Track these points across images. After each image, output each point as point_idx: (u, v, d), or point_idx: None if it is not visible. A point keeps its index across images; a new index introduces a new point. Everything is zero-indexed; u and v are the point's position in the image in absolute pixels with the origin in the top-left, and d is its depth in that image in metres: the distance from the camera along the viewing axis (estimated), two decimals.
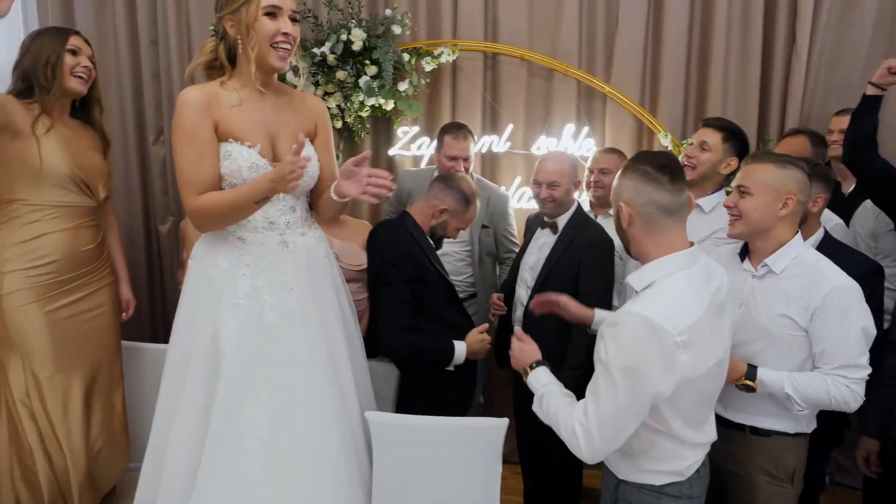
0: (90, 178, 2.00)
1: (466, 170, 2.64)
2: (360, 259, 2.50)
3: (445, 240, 2.26)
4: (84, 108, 2.07)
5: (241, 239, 1.64)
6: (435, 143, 2.89)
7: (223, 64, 1.64)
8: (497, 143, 3.00)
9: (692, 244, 1.41)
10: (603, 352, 1.31)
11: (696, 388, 1.35)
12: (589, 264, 2.16)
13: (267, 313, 1.61)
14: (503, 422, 1.68)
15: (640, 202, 1.38)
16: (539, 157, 2.34)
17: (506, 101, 3.01)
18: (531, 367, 1.53)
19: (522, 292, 2.31)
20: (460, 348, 1.98)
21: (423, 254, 2.04)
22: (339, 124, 2.94)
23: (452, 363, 1.97)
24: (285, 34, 1.57)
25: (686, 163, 2.18)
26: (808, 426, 1.68)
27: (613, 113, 2.96)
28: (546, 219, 2.30)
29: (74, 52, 1.94)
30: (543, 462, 2.33)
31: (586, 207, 2.61)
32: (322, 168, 1.76)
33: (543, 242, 2.30)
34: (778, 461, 1.64)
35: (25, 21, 3.50)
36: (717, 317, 1.37)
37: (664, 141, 2.86)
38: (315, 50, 2.84)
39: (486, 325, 2.07)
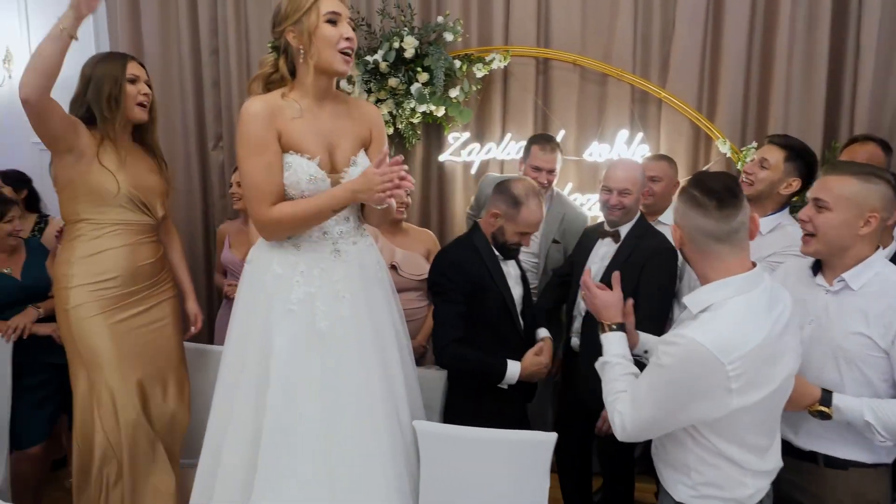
0: (148, 198, 2.07)
1: (550, 182, 2.58)
2: (422, 269, 2.53)
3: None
4: (142, 131, 2.13)
5: (295, 246, 1.68)
6: (515, 150, 2.94)
7: (284, 77, 1.67)
8: None
9: (755, 265, 1.36)
10: (656, 358, 1.32)
11: (753, 414, 1.31)
12: (648, 273, 2.13)
13: (319, 320, 1.64)
14: (552, 436, 1.66)
15: (688, 227, 1.36)
16: (609, 164, 2.33)
17: (557, 106, 2.99)
18: (610, 327, 1.52)
19: (583, 303, 2.29)
20: (514, 368, 1.94)
21: (483, 267, 2.00)
22: (390, 131, 2.98)
23: (505, 382, 1.93)
24: (348, 38, 1.61)
25: (744, 178, 2.10)
26: (889, 456, 1.55)
27: (669, 118, 2.89)
28: (608, 228, 2.28)
29: (133, 81, 2.01)
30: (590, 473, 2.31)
31: None
32: None
33: (605, 252, 2.28)
34: (858, 496, 1.52)
35: (96, 33, 3.69)
36: (779, 340, 1.32)
37: (723, 148, 2.77)
38: (368, 58, 2.88)
39: (542, 346, 2.02)
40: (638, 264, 2.14)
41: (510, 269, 2.09)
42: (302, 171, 1.62)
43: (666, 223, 2.42)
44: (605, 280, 2.16)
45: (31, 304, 2.50)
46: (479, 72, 2.88)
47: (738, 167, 2.75)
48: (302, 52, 1.60)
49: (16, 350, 2.40)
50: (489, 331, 1.99)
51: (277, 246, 1.68)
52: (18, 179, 3.30)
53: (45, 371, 2.48)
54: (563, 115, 2.97)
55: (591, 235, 2.39)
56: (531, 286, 2.71)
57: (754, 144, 2.71)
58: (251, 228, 2.50)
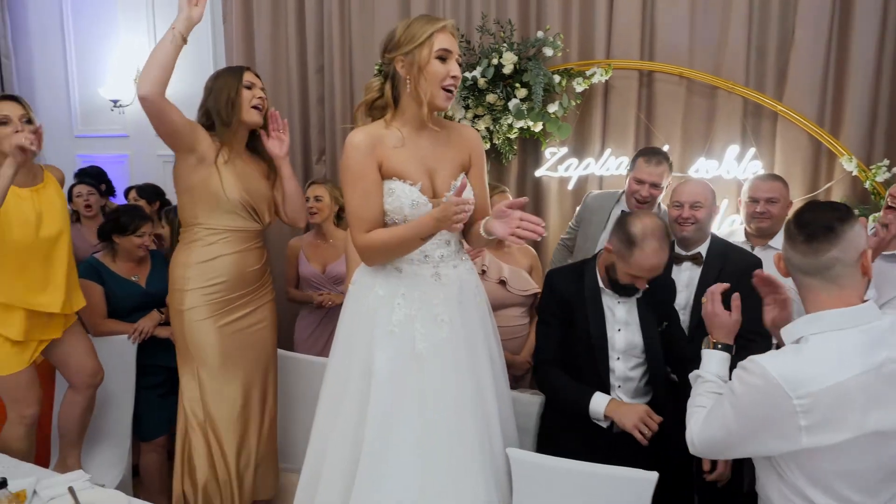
0: (258, 205, 2.18)
1: (653, 197, 2.46)
2: (527, 284, 2.52)
3: None
4: (256, 139, 2.25)
5: (397, 269, 1.72)
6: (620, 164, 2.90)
7: (388, 103, 1.71)
8: None
9: (865, 302, 1.26)
10: (730, 385, 1.33)
11: (836, 461, 1.23)
12: (746, 290, 2.01)
13: (418, 342, 1.67)
14: (653, 475, 1.60)
15: (784, 256, 1.34)
16: (678, 183, 2.27)
17: (661, 120, 2.88)
18: (716, 345, 1.54)
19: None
20: (598, 402, 1.82)
21: (580, 298, 1.93)
22: (486, 146, 2.98)
23: (596, 417, 1.85)
24: (454, 77, 1.64)
25: (882, 220, 1.93)
26: None
27: (786, 133, 2.70)
28: (683, 251, 2.17)
29: (249, 87, 2.13)
30: None
31: (738, 238, 2.42)
32: (476, 199, 1.79)
33: (689, 277, 2.17)
34: None
35: (214, 51, 3.96)
36: (871, 387, 1.21)
37: (848, 165, 2.56)
38: (466, 74, 2.90)
39: (645, 411, 1.81)
40: (731, 281, 2.01)
41: (617, 310, 1.95)
42: (405, 197, 1.66)
43: (776, 248, 2.27)
44: (697, 307, 2.09)
45: (154, 308, 2.73)
46: (579, 86, 2.83)
47: (867, 186, 2.53)
48: (409, 82, 1.64)
49: (138, 352, 2.63)
50: (574, 364, 1.94)
51: (381, 269, 1.73)
52: (153, 192, 3.62)
53: (163, 372, 2.70)
54: (668, 129, 2.86)
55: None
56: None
57: (886, 162, 2.49)
58: (349, 248, 2.58)
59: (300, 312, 3.02)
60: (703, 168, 2.78)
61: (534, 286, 2.55)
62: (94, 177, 3.78)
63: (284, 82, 3.54)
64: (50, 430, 2.60)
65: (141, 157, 4.39)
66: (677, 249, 2.20)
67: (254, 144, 2.25)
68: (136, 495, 2.70)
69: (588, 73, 2.81)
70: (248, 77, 2.14)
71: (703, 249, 2.15)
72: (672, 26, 2.78)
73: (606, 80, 2.84)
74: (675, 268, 2.20)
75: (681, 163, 2.85)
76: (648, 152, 2.53)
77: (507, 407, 1.88)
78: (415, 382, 1.65)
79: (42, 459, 2.56)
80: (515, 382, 2.57)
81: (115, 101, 4.24)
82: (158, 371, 2.69)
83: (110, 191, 3.78)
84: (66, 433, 2.39)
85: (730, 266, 2.07)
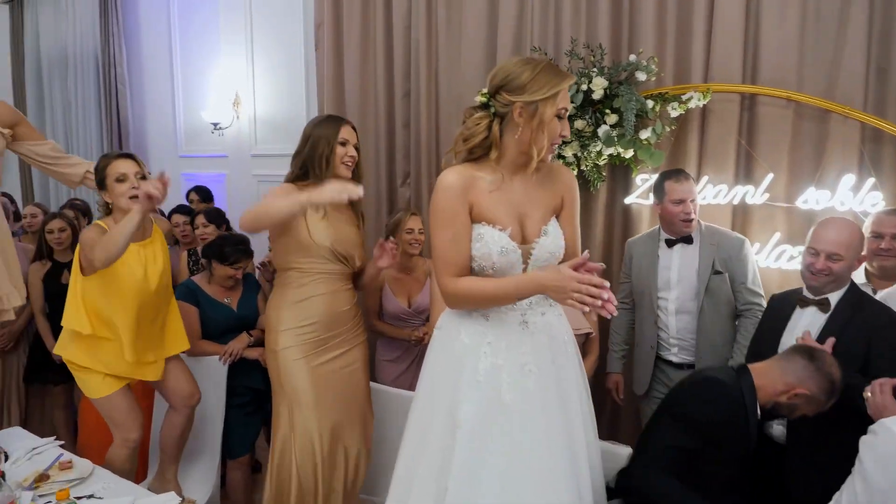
0: (347, 251, 2.21)
1: (694, 211, 2.42)
2: (580, 323, 2.42)
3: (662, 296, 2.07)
4: None
5: (484, 317, 1.66)
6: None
7: (494, 143, 1.61)
8: (752, 194, 2.67)
9: None
10: (859, 457, 1.26)
11: None
12: (882, 349, 1.82)
13: (505, 393, 1.60)
14: None
15: None
16: (819, 222, 2.03)
17: (765, 147, 2.67)
18: None
19: None
20: None
21: (743, 426, 1.76)
22: (574, 171, 2.89)
23: None
24: (564, 136, 1.60)
25: None
26: None
27: None
28: (810, 295, 1.98)
29: (344, 144, 2.17)
30: None
31: (858, 279, 2.19)
32: (566, 243, 1.72)
33: (809, 323, 1.98)
34: None
35: (307, 76, 4.09)
36: None
37: None
38: None
39: None
40: (860, 339, 1.85)
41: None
42: (493, 243, 1.60)
43: None
44: None
45: (244, 331, 2.83)
46: (674, 111, 2.68)
47: None
48: (521, 130, 1.56)
49: (227, 372, 2.73)
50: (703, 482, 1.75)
51: (466, 315, 1.68)
52: (207, 193, 4.07)
53: (250, 393, 2.79)
54: (772, 156, 2.65)
55: (782, 305, 2.09)
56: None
57: None
58: (433, 285, 2.56)
59: (378, 346, 3.02)
60: (812, 199, 2.56)
61: (586, 325, 2.44)
62: (206, 198, 4.07)
63: (371, 107, 3.60)
64: (148, 444, 2.76)
65: (237, 176, 4.60)
66: (804, 292, 2.03)
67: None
68: None
69: (684, 97, 2.66)
70: (343, 133, 2.17)
71: (834, 297, 1.95)
72: (779, 46, 2.58)
73: (704, 105, 2.67)
74: (796, 310, 2.04)
75: (788, 193, 2.63)
76: (673, 173, 2.49)
77: (596, 457, 1.78)
78: (501, 434, 1.58)
79: (140, 472, 2.72)
80: None
81: (215, 124, 4.47)
82: (245, 392, 2.79)
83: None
84: (165, 449, 2.52)
85: (860, 320, 1.88)
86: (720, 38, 2.65)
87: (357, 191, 1.92)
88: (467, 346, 1.64)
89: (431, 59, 3.34)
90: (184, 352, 2.61)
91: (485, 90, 1.60)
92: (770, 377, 1.78)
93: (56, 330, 3.24)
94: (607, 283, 1.37)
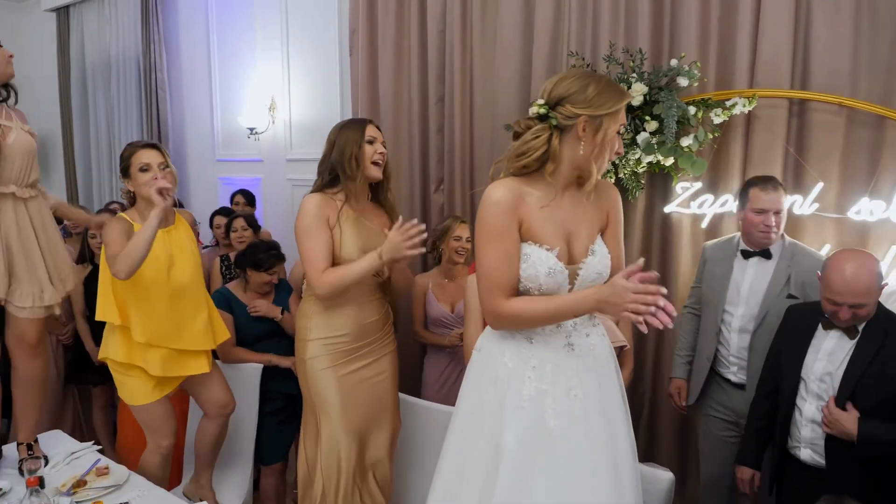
0: None
1: (778, 225, 2.27)
2: (615, 336, 2.33)
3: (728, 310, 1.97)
4: (378, 190, 2.26)
5: (528, 339, 1.60)
6: (731, 201, 2.64)
7: (553, 157, 1.53)
8: (801, 203, 2.55)
9: None
10: None
11: None
12: None
13: (549, 418, 1.54)
14: None
15: None
16: (832, 266, 1.87)
17: (815, 154, 2.54)
18: None
19: (810, 408, 1.93)
20: None
21: None
22: (611, 179, 2.81)
23: None
24: (618, 153, 1.56)
25: None
26: None
27: None
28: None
29: (371, 142, 2.14)
30: None
31: None
32: (611, 261, 1.66)
33: (834, 347, 1.91)
34: None
35: (341, 81, 4.09)
36: None
37: None
38: None
39: None
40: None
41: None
42: (541, 264, 1.53)
43: None
44: (850, 378, 1.82)
45: (278, 339, 2.84)
46: (718, 118, 2.58)
47: None
48: (581, 145, 1.51)
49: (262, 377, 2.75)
50: None
51: (509, 336, 1.61)
52: (251, 197, 4.19)
53: (283, 399, 2.80)
54: (822, 164, 2.52)
55: (805, 318, 2.01)
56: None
57: None
58: (468, 293, 2.52)
59: (428, 352, 3.01)
60: (865, 209, 2.43)
61: (620, 338, 2.35)
62: (250, 202, 4.17)
63: (405, 111, 3.58)
64: (183, 447, 2.79)
65: (272, 180, 4.64)
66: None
67: (377, 195, 2.27)
68: None
69: (728, 103, 2.56)
70: (370, 132, 2.14)
71: (860, 323, 1.87)
72: (830, 50, 2.45)
73: (749, 111, 2.56)
74: (819, 330, 1.95)
75: (838, 203, 2.51)
76: (761, 180, 2.33)
77: (638, 484, 1.71)
78: (545, 462, 1.52)
79: (174, 477, 2.75)
80: None
81: (251, 129, 4.51)
82: (279, 397, 2.80)
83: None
84: (200, 456, 2.54)
85: (892, 341, 1.80)
86: (767, 40, 2.53)
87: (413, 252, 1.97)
88: (511, 370, 1.58)
89: (466, 64, 3.30)
90: (218, 359, 2.64)
91: (540, 101, 1.54)
92: None
93: (94, 331, 3.33)
94: (664, 290, 1.31)
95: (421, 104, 3.52)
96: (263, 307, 2.79)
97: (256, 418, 2.75)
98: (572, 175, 1.57)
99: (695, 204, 2.77)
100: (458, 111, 3.34)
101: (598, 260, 1.60)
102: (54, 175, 6.46)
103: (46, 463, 2.29)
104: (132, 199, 2.31)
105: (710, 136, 2.62)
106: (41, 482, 2.00)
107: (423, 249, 1.99)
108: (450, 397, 2.85)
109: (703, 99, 2.61)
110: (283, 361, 2.75)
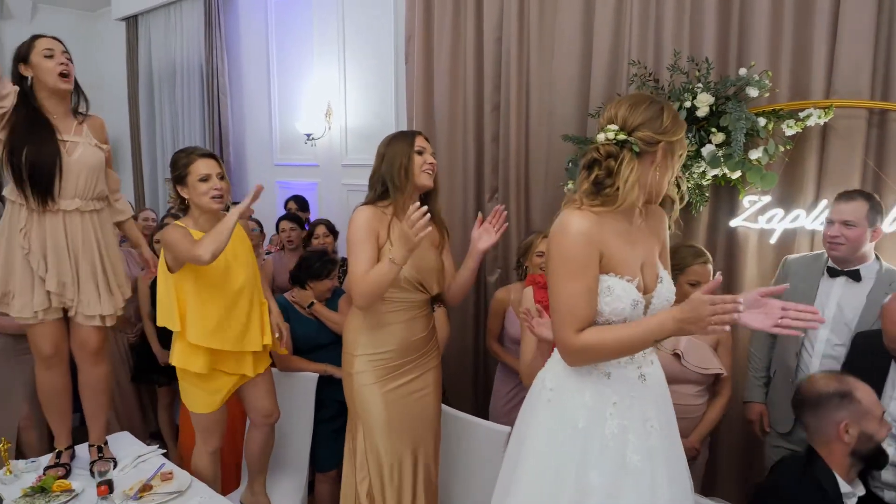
0: (426, 279, 2.17)
1: (849, 239, 2.14)
2: (709, 362, 2.25)
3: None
4: (427, 201, 2.21)
5: (606, 375, 1.53)
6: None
7: (637, 184, 1.48)
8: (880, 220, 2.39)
9: None
10: None
11: None
12: None
13: (630, 454, 1.50)
14: None
15: None
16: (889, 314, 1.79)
17: None
18: None
19: (890, 450, 1.82)
20: None
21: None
22: (673, 192, 2.71)
23: None
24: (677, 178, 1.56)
25: None
26: None
27: None
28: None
29: (420, 153, 2.13)
30: None
31: None
32: None
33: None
34: None
35: (396, 89, 4.11)
36: None
37: None
38: None
39: None
40: None
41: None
42: (626, 297, 1.47)
43: None
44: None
45: (333, 348, 2.88)
46: (790, 129, 2.45)
47: None
48: (657, 171, 1.49)
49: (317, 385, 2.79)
50: None
51: (586, 374, 1.54)
52: (304, 202, 4.33)
53: (337, 407, 2.84)
54: None
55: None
56: None
57: None
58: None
59: (499, 366, 2.97)
60: None
61: (716, 365, 2.25)
62: (303, 208, 4.28)
63: (460, 119, 3.55)
64: (241, 453, 2.87)
65: (328, 185, 4.71)
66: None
67: (427, 204, 2.22)
68: None
69: (802, 114, 2.42)
70: (418, 142, 2.14)
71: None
72: None
73: (825, 122, 2.42)
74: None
75: None
76: (845, 193, 2.23)
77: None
78: (631, 497, 1.48)
79: (234, 482, 2.84)
80: None
81: (308, 135, 4.59)
82: (333, 405, 2.84)
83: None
84: (250, 463, 2.60)
85: None
86: (846, 48, 2.38)
87: (423, 234, 1.89)
88: (592, 410, 1.52)
89: (522, 72, 3.25)
90: (275, 367, 2.70)
91: (614, 126, 1.49)
92: (827, 444, 1.65)
93: (160, 334, 3.46)
94: (740, 298, 1.26)
95: (476, 112, 3.49)
96: (299, 297, 2.87)
97: (311, 426, 2.79)
98: (640, 201, 1.52)
99: (763, 218, 2.64)
100: (513, 120, 3.29)
101: (666, 287, 1.56)
102: (123, 176, 6.74)
103: (115, 465, 2.39)
104: (184, 206, 2.33)
105: (782, 148, 2.49)
106: (110, 486, 2.09)
107: (429, 228, 1.92)
108: (510, 407, 2.83)
109: (774, 110, 2.48)
110: (338, 372, 2.77)
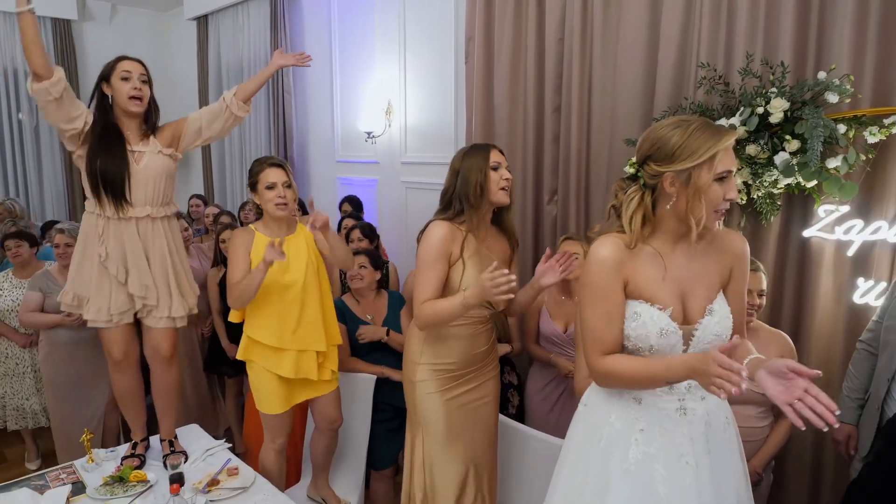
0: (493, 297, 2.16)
1: None
2: None
3: None
4: (501, 213, 2.21)
5: (636, 400, 1.54)
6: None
7: (648, 217, 1.50)
8: None
9: None
10: None
11: None
12: None
13: (658, 484, 1.48)
14: None
15: None
16: None
17: None
18: None
19: None
20: None
21: None
22: (742, 200, 2.60)
23: None
24: (730, 199, 1.42)
25: None
26: None
27: None
28: None
29: (496, 168, 2.10)
30: None
31: None
32: (734, 320, 1.55)
33: None
34: None
35: (456, 89, 4.10)
36: None
37: None
38: (723, 121, 2.55)
39: None
40: None
41: None
42: (652, 324, 1.47)
43: None
44: None
45: (389, 351, 2.93)
46: (873, 137, 2.30)
47: None
48: (674, 199, 1.43)
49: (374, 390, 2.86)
50: None
51: (617, 395, 1.56)
52: (358, 203, 4.32)
53: (392, 410, 2.90)
54: None
55: None
56: None
57: None
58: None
59: (533, 364, 2.99)
60: None
61: None
62: (357, 208, 4.35)
63: (520, 120, 3.52)
64: (302, 449, 2.99)
65: (387, 182, 4.77)
66: None
67: (499, 219, 2.23)
68: None
69: (887, 120, 2.27)
70: (494, 157, 2.11)
71: None
72: None
73: None
74: None
75: None
76: None
77: None
78: None
79: (294, 477, 2.95)
80: None
81: (368, 133, 4.65)
82: (388, 408, 2.91)
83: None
84: (314, 462, 2.71)
85: None
86: None
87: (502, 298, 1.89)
88: (617, 431, 1.53)
89: (584, 74, 3.17)
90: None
91: (633, 159, 1.48)
92: None
93: (229, 329, 3.62)
94: (745, 372, 1.20)
95: (536, 113, 3.44)
96: (368, 333, 2.86)
97: (369, 425, 2.87)
98: (681, 228, 1.48)
99: (840, 229, 2.50)
100: (575, 122, 3.22)
101: (716, 321, 1.50)
102: (192, 170, 7.05)
103: (186, 459, 2.52)
104: (259, 212, 2.50)
105: (863, 157, 2.35)
106: (181, 480, 2.21)
107: (512, 296, 1.91)
108: (547, 405, 2.84)
109: (855, 116, 2.34)
110: (395, 374, 2.83)
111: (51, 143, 6.48)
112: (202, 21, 6.34)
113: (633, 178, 1.53)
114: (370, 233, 3.50)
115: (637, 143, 1.52)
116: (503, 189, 2.10)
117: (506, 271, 1.87)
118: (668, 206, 1.45)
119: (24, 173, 6.37)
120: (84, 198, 2.44)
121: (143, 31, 7.00)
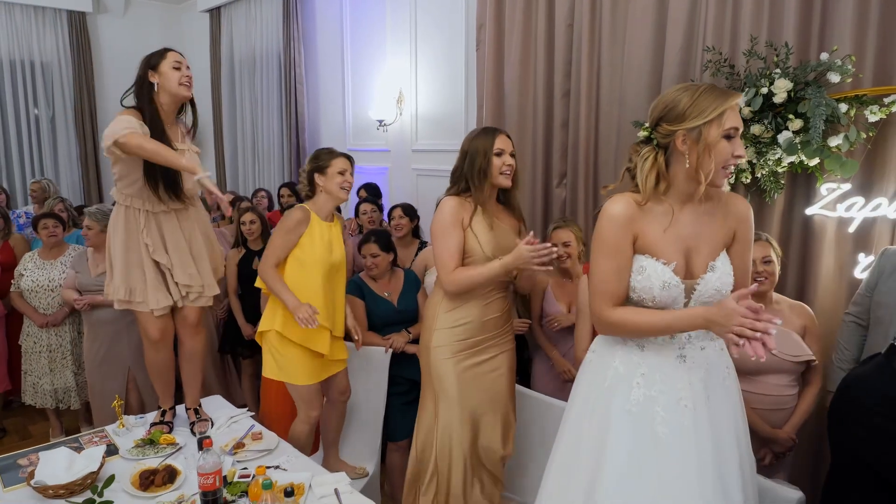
0: None
1: None
2: (799, 349, 2.25)
3: None
4: (507, 193, 2.36)
5: (639, 347, 1.65)
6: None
7: (662, 175, 1.60)
8: None
9: None
10: None
11: None
12: None
13: (658, 425, 1.59)
14: None
15: None
16: None
17: None
18: None
19: None
20: None
21: None
22: (747, 179, 2.69)
23: None
24: (738, 156, 1.52)
25: None
26: None
27: None
28: None
29: (500, 154, 2.23)
30: None
31: None
32: (735, 279, 1.65)
33: None
34: None
35: (466, 74, 4.19)
36: None
37: None
38: None
39: None
40: None
41: None
42: (656, 277, 1.57)
43: None
44: None
45: (404, 326, 3.03)
46: (874, 116, 2.39)
47: None
48: (687, 158, 1.54)
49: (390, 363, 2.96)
50: None
51: (621, 342, 1.68)
52: (376, 190, 4.49)
53: (407, 384, 3.00)
54: None
55: None
56: None
57: None
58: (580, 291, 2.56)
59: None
60: None
61: (807, 352, 2.24)
62: (374, 194, 4.45)
63: (530, 105, 3.61)
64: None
65: (398, 170, 4.87)
66: None
67: (506, 198, 2.37)
68: (382, 485, 3.09)
69: (888, 99, 2.36)
70: (498, 143, 2.23)
71: None
72: None
73: None
74: None
75: None
76: None
77: (753, 498, 1.70)
78: (652, 467, 1.57)
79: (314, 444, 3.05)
80: (776, 460, 2.31)
81: (380, 121, 4.75)
82: (404, 382, 3.00)
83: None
84: (325, 437, 2.86)
85: None
86: None
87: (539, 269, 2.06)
88: (620, 374, 1.64)
89: (593, 59, 3.26)
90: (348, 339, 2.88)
91: (646, 124, 1.58)
92: None
93: (245, 309, 3.72)
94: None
95: (546, 98, 3.53)
96: (400, 343, 2.96)
97: (385, 397, 2.97)
98: (690, 188, 1.58)
99: (842, 207, 2.58)
100: (583, 106, 3.32)
101: (717, 277, 1.60)
102: (205, 158, 7.16)
103: (212, 425, 2.63)
104: (311, 189, 2.63)
105: (864, 135, 2.43)
106: (211, 442, 2.32)
107: (551, 268, 2.06)
108: (555, 384, 2.93)
109: (856, 95, 2.42)
110: (411, 348, 2.93)
111: (66, 134, 6.59)
112: (215, 13, 6.44)
113: (647, 140, 1.63)
114: (410, 211, 3.60)
115: (648, 111, 1.63)
116: (504, 174, 2.24)
117: (548, 244, 2.03)
118: (682, 166, 1.55)
119: (41, 162, 6.49)
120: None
121: (156, 23, 7.11)
